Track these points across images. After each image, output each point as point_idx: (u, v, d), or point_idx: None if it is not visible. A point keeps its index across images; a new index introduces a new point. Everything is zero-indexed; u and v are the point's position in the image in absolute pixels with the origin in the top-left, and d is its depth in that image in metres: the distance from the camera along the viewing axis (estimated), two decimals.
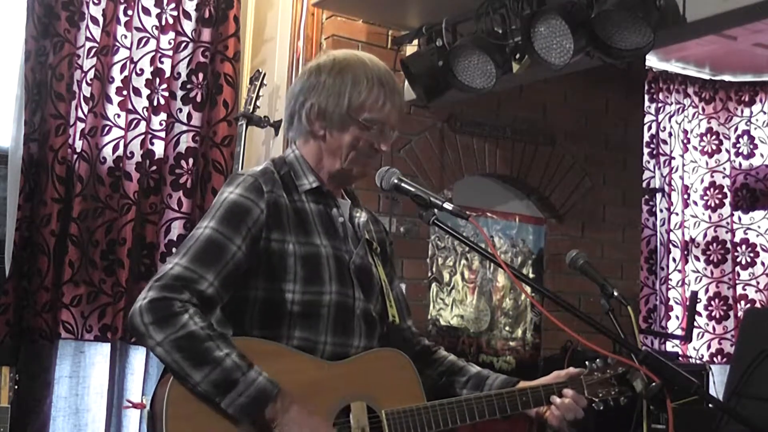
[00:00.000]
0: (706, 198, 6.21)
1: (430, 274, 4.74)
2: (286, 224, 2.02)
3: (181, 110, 4.15)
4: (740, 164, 6.26)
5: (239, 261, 1.95)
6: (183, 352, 1.84)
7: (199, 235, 1.96)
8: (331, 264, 2.05)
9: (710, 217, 6.19)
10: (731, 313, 6.08)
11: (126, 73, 4.05)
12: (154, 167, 4.09)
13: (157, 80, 4.10)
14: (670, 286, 6.01)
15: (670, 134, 6.07)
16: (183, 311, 1.86)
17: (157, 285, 1.89)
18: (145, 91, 4.08)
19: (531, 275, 5.04)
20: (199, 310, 1.89)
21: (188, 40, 4.16)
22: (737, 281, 6.17)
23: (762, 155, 6.25)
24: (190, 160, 4.12)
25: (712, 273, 6.15)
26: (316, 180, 2.11)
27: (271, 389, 1.86)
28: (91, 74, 3.94)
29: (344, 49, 2.25)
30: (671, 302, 6.01)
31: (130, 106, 4.05)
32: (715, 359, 6.01)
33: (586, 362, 2.21)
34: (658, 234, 5.97)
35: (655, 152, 6.00)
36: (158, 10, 4.12)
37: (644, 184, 5.78)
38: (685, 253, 6.11)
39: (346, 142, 2.08)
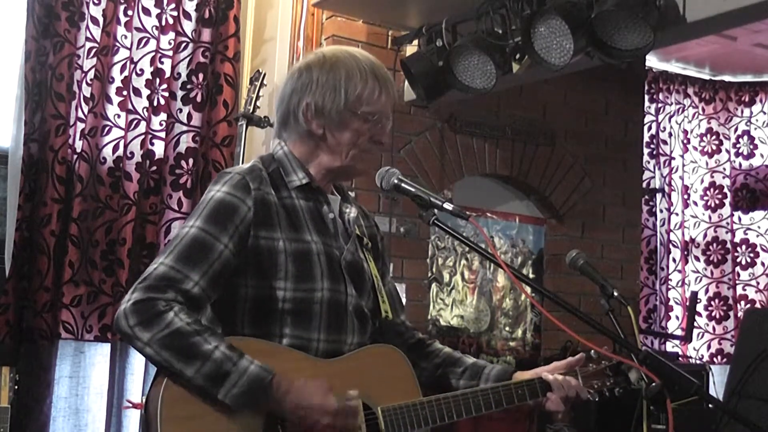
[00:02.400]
0: (706, 198, 6.21)
1: (430, 274, 4.74)
2: (275, 221, 2.00)
3: (181, 110, 4.15)
4: (740, 164, 6.26)
5: (227, 260, 1.94)
6: (171, 350, 1.83)
7: (184, 235, 1.94)
8: (322, 260, 2.03)
9: (710, 218, 6.19)
10: (731, 313, 6.08)
11: (126, 73, 4.05)
12: (154, 167, 4.09)
13: (157, 80, 4.10)
14: (670, 286, 6.01)
15: (670, 134, 6.07)
16: (168, 310, 1.85)
17: (141, 286, 1.88)
18: (145, 92, 4.08)
19: (531, 275, 5.04)
20: (185, 308, 1.87)
21: (188, 40, 4.16)
22: (737, 281, 6.17)
23: (762, 155, 6.25)
24: (190, 161, 4.12)
25: (712, 273, 6.15)
26: (306, 176, 2.09)
27: (265, 376, 1.85)
28: (91, 74, 3.94)
29: (331, 46, 2.24)
30: (671, 302, 6.01)
31: (130, 107, 4.05)
32: (715, 359, 6.01)
33: (582, 353, 2.21)
34: (658, 234, 5.97)
35: (655, 152, 6.00)
36: (158, 11, 4.12)
37: (644, 184, 5.78)
38: (685, 253, 6.11)
39: (347, 138, 2.07)
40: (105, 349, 3.98)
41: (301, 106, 2.07)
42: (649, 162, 5.93)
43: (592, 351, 2.19)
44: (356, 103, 2.06)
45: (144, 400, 1.91)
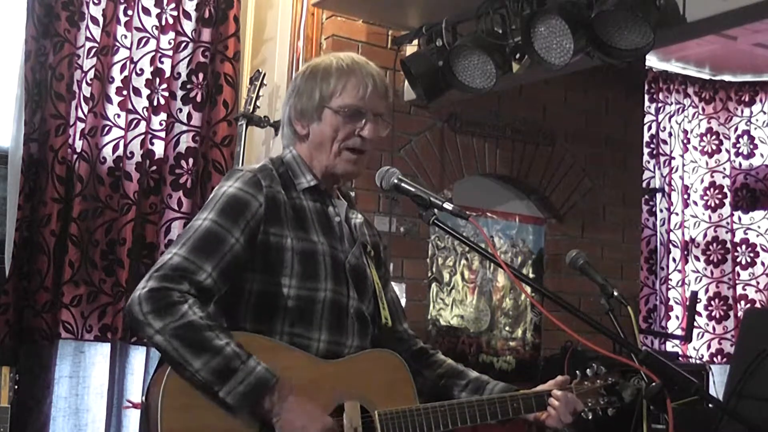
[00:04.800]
0: (706, 198, 6.21)
1: (430, 274, 4.74)
2: (284, 219, 2.04)
3: (181, 110, 4.15)
4: (740, 164, 6.27)
5: (237, 253, 1.97)
6: (183, 341, 1.85)
7: (198, 227, 1.98)
8: (327, 261, 2.06)
9: (710, 217, 6.19)
10: (731, 313, 6.08)
11: (126, 73, 4.05)
12: (154, 167, 4.09)
13: (157, 80, 4.10)
14: (670, 286, 6.01)
15: (670, 134, 6.07)
16: (182, 301, 1.88)
17: (156, 275, 1.91)
18: (145, 91, 4.08)
19: (531, 275, 5.04)
20: (198, 301, 1.90)
21: (188, 40, 4.16)
22: (737, 281, 6.17)
23: (762, 155, 6.25)
24: (190, 160, 4.12)
25: (712, 273, 6.15)
26: (314, 179, 2.13)
27: (270, 378, 1.88)
28: (91, 74, 3.94)
29: (324, 55, 2.29)
30: (671, 302, 6.01)
31: (130, 106, 4.05)
32: (715, 359, 6.01)
33: (577, 372, 2.22)
34: (658, 234, 5.97)
35: (655, 152, 6.00)
36: (158, 10, 4.12)
37: (644, 184, 5.78)
38: (685, 253, 6.11)
39: (327, 133, 2.11)
40: (105, 348, 3.98)
41: (288, 112, 2.16)
42: (649, 162, 5.93)
43: (588, 370, 2.21)
44: (330, 98, 2.10)
45: (144, 394, 1.92)
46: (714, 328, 6.08)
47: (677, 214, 6.08)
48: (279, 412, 1.89)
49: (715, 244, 6.16)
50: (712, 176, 6.21)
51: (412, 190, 2.11)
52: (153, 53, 4.10)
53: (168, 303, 1.87)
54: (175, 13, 4.14)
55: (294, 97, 2.14)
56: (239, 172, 2.06)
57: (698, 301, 5.88)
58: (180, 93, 4.15)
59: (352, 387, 2.01)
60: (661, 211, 6.00)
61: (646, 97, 5.84)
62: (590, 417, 2.20)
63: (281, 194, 2.05)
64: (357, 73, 2.11)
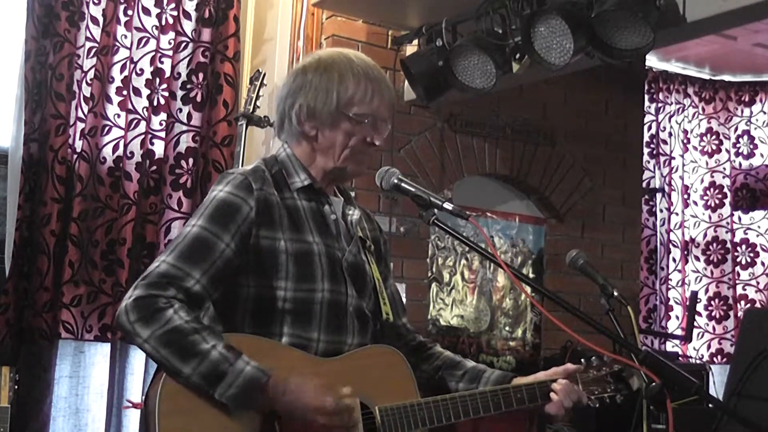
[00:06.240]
0: (706, 198, 6.21)
1: (430, 274, 4.74)
2: (277, 222, 2.02)
3: (181, 110, 4.15)
4: (740, 164, 6.26)
5: (228, 258, 1.95)
6: (170, 347, 1.84)
7: (187, 233, 1.96)
8: (323, 261, 2.05)
9: (710, 217, 6.19)
10: (731, 313, 6.08)
11: (126, 73, 4.05)
12: (154, 167, 4.09)
13: (157, 80, 4.10)
14: (670, 286, 6.01)
15: (670, 134, 6.07)
16: (168, 307, 1.87)
17: (142, 283, 1.90)
18: (145, 91, 4.08)
19: (531, 275, 5.04)
20: (185, 306, 1.89)
21: (188, 40, 4.16)
22: (737, 281, 6.17)
23: (762, 155, 6.25)
24: (190, 160, 4.12)
25: (712, 273, 6.15)
26: (308, 178, 2.10)
27: (260, 377, 1.86)
28: (91, 74, 3.94)
29: (329, 48, 2.25)
30: (671, 302, 6.01)
31: (130, 106, 4.05)
32: (715, 359, 6.01)
33: (582, 359, 2.21)
34: (658, 234, 5.97)
35: (655, 152, 6.00)
36: (158, 10, 4.12)
37: (644, 184, 5.78)
38: (685, 253, 6.11)
39: (339, 140, 2.08)
40: (105, 348, 3.98)
41: (294, 108, 2.09)
42: (649, 162, 5.93)
43: (593, 357, 2.19)
44: (347, 105, 2.07)
45: (143, 398, 1.92)
46: (714, 328, 6.08)
47: (677, 214, 6.08)
48: (280, 410, 1.88)
49: (715, 244, 6.16)
50: (712, 176, 6.21)
51: (412, 190, 2.10)
52: (153, 53, 4.10)
53: (154, 310, 1.86)
54: (175, 13, 4.14)
55: (306, 93, 2.07)
56: (230, 175, 2.04)
57: (698, 301, 5.88)
58: (180, 93, 4.15)
59: (351, 383, 1.99)
60: (661, 211, 6.00)
61: (646, 97, 5.84)
62: (597, 405, 2.18)
63: (274, 196, 2.03)
64: (373, 80, 2.08)
